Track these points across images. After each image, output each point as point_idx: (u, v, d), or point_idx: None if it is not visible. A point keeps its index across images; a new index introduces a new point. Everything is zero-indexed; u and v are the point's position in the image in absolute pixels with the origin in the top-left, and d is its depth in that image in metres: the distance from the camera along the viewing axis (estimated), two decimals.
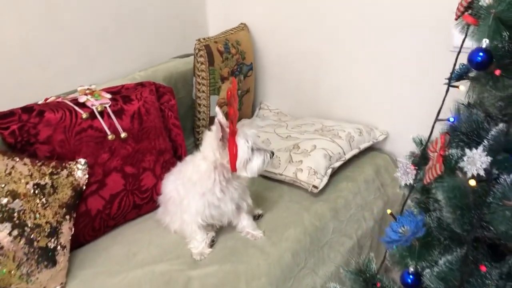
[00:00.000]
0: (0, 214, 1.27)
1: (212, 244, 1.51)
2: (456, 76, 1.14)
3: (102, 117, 1.58)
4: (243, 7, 2.38)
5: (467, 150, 0.94)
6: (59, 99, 1.61)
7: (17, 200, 1.31)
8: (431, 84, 1.86)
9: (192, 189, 1.47)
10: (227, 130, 1.38)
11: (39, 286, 1.31)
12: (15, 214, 1.29)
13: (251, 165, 1.42)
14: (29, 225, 1.32)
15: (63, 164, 1.47)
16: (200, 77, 2.05)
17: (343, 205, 1.77)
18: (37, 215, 1.34)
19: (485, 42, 0.91)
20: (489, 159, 0.91)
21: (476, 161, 0.92)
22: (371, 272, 1.23)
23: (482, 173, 0.91)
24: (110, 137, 1.57)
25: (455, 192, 0.96)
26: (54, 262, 1.35)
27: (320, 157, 1.81)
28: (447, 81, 1.14)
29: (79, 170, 1.50)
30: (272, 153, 1.46)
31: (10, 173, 1.32)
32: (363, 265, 1.25)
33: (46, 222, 1.36)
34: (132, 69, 2.11)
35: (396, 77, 2.00)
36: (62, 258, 1.38)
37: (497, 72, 0.91)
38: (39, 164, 1.41)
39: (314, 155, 1.82)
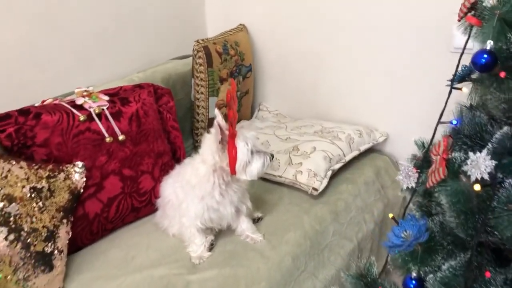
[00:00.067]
0: None
1: (211, 247, 1.50)
2: (458, 78, 1.13)
3: (100, 119, 1.56)
4: (242, 7, 2.36)
5: (470, 154, 0.93)
6: (56, 101, 1.59)
7: (13, 204, 1.29)
8: (432, 84, 1.86)
9: (191, 192, 1.46)
10: (227, 132, 1.36)
11: None
12: (11, 219, 1.27)
13: (251, 168, 1.41)
14: (26, 229, 1.30)
15: (60, 167, 1.45)
16: (199, 79, 2.03)
17: (343, 208, 1.75)
18: (34, 219, 1.33)
19: (489, 44, 0.90)
20: (494, 162, 0.90)
21: (480, 164, 0.90)
22: (373, 276, 1.22)
23: (486, 177, 0.90)
24: (108, 139, 1.56)
25: (458, 196, 0.94)
26: (51, 267, 1.33)
27: (320, 159, 1.80)
28: (448, 82, 1.13)
29: (77, 173, 1.48)
30: (272, 156, 1.45)
31: (6, 177, 1.31)
32: (364, 269, 1.23)
33: (43, 226, 1.34)
34: (130, 71, 2.09)
35: (396, 78, 1.99)
36: (59, 262, 1.36)
37: (502, 74, 0.89)
38: (35, 167, 1.39)
39: (314, 157, 1.81)
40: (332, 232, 1.66)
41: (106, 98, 1.63)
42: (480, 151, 0.93)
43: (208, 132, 1.43)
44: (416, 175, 1.13)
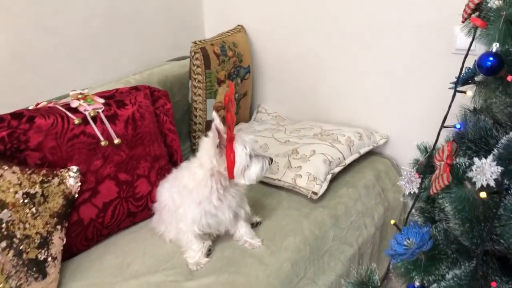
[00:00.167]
0: None
1: (208, 253, 1.47)
2: (462, 81, 1.10)
3: (95, 122, 1.53)
4: (240, 8, 2.33)
5: (475, 159, 0.90)
6: (51, 104, 1.56)
7: (5, 211, 1.25)
8: (432, 86, 1.84)
9: (188, 197, 1.43)
10: (224, 136, 1.33)
11: None
12: (3, 225, 1.24)
13: (249, 172, 1.38)
14: (18, 236, 1.26)
15: (54, 172, 1.42)
16: (196, 81, 2.00)
17: (344, 212, 1.73)
18: (27, 226, 1.29)
19: (495, 46, 0.87)
20: (500, 169, 0.87)
21: (485, 171, 0.88)
22: (374, 283, 1.19)
23: (492, 183, 0.87)
24: (103, 143, 1.53)
25: (463, 203, 0.91)
26: (44, 274, 1.30)
27: (319, 163, 1.77)
28: (451, 85, 1.10)
29: (71, 178, 1.45)
30: (271, 160, 1.42)
31: None
32: (365, 277, 1.20)
33: (36, 233, 1.31)
34: (126, 73, 2.06)
35: (396, 80, 1.96)
36: (53, 269, 1.33)
37: (509, 78, 0.86)
38: (29, 172, 1.36)
39: (314, 161, 1.78)
40: (332, 237, 1.63)
41: (102, 100, 1.60)
42: (486, 157, 0.90)
43: (206, 135, 1.40)
44: (419, 180, 1.10)
